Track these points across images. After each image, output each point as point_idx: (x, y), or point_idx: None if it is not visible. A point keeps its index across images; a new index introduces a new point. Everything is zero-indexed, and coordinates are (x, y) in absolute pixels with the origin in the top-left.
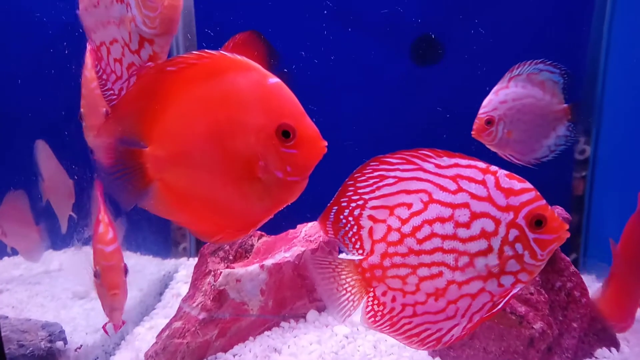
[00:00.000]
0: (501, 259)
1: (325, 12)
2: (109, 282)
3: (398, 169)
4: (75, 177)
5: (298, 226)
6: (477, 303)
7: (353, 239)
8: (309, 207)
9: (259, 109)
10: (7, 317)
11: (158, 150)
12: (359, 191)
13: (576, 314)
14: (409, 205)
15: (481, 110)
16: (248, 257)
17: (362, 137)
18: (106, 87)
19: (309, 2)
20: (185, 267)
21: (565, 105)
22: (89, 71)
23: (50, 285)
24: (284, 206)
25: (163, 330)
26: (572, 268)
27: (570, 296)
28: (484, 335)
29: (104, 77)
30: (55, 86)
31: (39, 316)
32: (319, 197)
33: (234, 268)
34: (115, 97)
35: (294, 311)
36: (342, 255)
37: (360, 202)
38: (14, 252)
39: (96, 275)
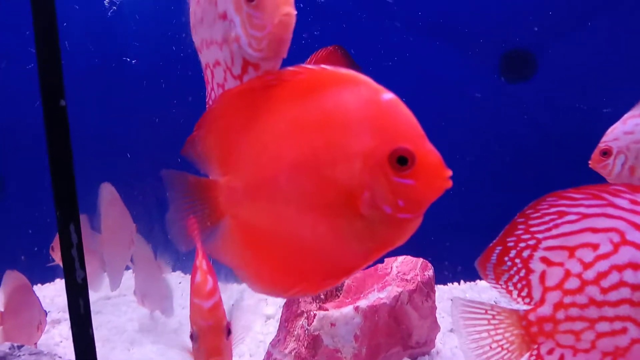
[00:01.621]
0: None
1: (408, 24)
2: (208, 347)
3: (582, 204)
4: None
5: (386, 260)
6: None
7: (519, 285)
8: None
9: (369, 130)
10: None
11: (235, 180)
12: (532, 229)
13: None
14: (595, 247)
15: (602, 139)
16: (339, 296)
17: (444, 158)
18: None
19: (389, 14)
20: (252, 295)
21: None
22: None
23: (113, 315)
24: (390, 249)
25: None
26: None
27: None
28: None
29: (210, 103)
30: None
31: (105, 354)
32: None
33: (326, 309)
34: None
35: None
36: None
37: (531, 242)
38: None
39: (192, 337)
